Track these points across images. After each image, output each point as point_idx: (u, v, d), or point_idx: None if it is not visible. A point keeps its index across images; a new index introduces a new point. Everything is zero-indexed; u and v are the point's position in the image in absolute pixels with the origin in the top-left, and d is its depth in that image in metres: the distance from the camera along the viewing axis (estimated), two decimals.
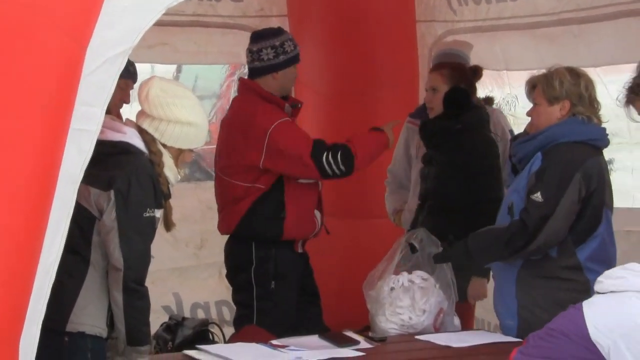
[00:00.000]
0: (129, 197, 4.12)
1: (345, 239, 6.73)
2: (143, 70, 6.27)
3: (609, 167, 4.93)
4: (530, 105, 4.87)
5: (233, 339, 5.38)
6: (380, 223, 6.26)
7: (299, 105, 5.70)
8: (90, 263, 4.19)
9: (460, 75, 5.79)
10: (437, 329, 5.04)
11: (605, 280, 3.50)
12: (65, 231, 3.32)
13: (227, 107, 6.06)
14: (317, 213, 5.64)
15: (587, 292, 3.63)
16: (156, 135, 4.26)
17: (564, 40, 6.17)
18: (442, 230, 5.32)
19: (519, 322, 4.73)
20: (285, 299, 5.55)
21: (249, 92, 5.58)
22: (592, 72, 5.23)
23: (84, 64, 3.30)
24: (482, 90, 6.70)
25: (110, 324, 4.23)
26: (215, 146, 5.84)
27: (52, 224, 3.27)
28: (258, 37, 5.64)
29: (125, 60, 3.40)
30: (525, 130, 5.05)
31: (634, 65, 4.68)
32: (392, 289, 5.05)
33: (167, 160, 4.29)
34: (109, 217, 4.13)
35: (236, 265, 5.62)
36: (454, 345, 4.69)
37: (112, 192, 4.12)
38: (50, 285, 3.30)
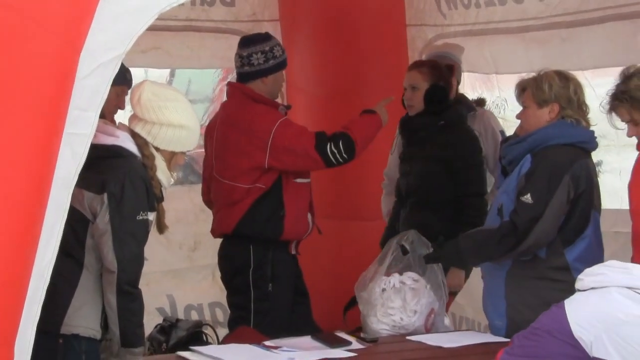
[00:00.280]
0: (122, 201, 4.12)
1: (337, 241, 6.74)
2: (136, 74, 6.27)
3: (597, 169, 4.95)
4: (519, 108, 4.88)
5: (226, 340, 5.38)
6: (372, 225, 6.27)
7: (289, 108, 5.80)
8: (84, 266, 4.19)
9: (439, 73, 5.83)
10: (428, 329, 5.04)
11: (586, 277, 3.53)
12: (59, 234, 3.32)
13: None
14: (308, 215, 5.69)
15: (575, 292, 3.65)
16: (149, 139, 4.26)
17: (552, 44, 6.18)
18: (427, 225, 5.37)
19: (507, 322, 4.74)
20: (281, 300, 5.59)
21: (242, 96, 5.61)
22: (580, 75, 5.24)
23: (77, 68, 3.31)
24: (472, 93, 6.72)
25: (105, 325, 4.23)
26: None
27: (46, 227, 3.28)
28: (248, 42, 5.68)
29: (119, 65, 3.40)
30: (515, 132, 5.07)
31: (621, 69, 4.68)
32: (383, 290, 5.06)
33: (160, 163, 4.29)
34: (103, 220, 4.13)
35: (233, 268, 5.65)
36: (445, 345, 4.70)
37: (105, 196, 4.13)
38: (45, 288, 3.30)
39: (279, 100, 5.86)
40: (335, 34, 6.92)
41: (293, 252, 5.69)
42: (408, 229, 5.41)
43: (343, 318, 5.35)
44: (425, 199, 5.74)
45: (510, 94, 5.43)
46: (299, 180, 5.60)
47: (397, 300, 5.03)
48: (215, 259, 5.81)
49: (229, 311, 5.89)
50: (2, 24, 3.22)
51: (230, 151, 5.57)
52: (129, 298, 4.15)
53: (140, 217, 4.16)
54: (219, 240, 5.77)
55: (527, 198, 4.64)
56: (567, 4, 6.05)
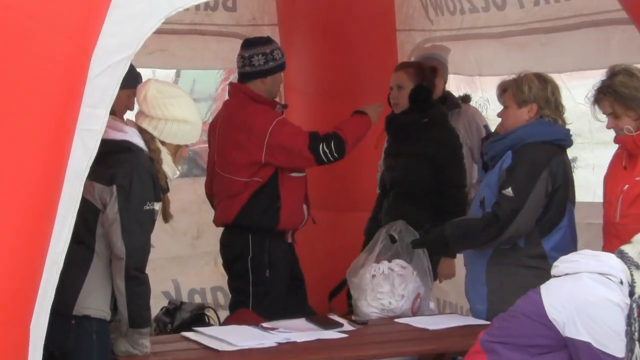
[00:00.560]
0: (130, 192, 4.12)
1: (331, 231, 6.74)
2: (144, 75, 6.24)
3: (572, 165, 4.97)
4: (501, 108, 4.90)
5: (227, 322, 5.39)
6: (363, 216, 6.27)
7: (286, 107, 5.79)
8: (95, 252, 4.19)
9: (423, 74, 5.85)
10: (415, 312, 5.07)
11: (560, 264, 3.59)
12: (72, 223, 3.34)
13: None
14: (304, 206, 5.70)
15: (550, 278, 3.69)
16: (155, 134, 4.27)
17: (532, 48, 6.19)
18: (407, 215, 5.39)
19: (488, 306, 4.75)
20: (277, 285, 5.60)
21: (242, 96, 5.62)
22: (558, 78, 5.27)
23: (89, 69, 3.32)
24: (457, 93, 6.73)
25: (114, 307, 4.23)
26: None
27: (60, 217, 3.29)
28: (250, 44, 5.69)
29: (128, 66, 3.41)
30: (495, 130, 5.09)
31: (595, 72, 4.70)
32: (373, 276, 5.08)
33: (166, 156, 4.30)
34: (112, 210, 4.13)
35: (233, 256, 5.66)
36: (430, 327, 4.73)
37: (114, 187, 4.13)
38: (59, 273, 3.31)
39: (277, 99, 5.86)
40: (330, 38, 6.92)
41: (289, 240, 5.71)
42: (390, 220, 5.44)
43: (329, 303, 5.37)
44: (408, 191, 5.75)
45: (492, 94, 5.44)
46: (294, 174, 5.61)
47: (385, 285, 5.05)
48: (217, 247, 5.83)
49: (229, 295, 5.91)
50: (17, 28, 3.23)
51: (230, 147, 5.58)
52: (137, 282, 4.16)
53: (147, 207, 4.16)
54: (221, 229, 5.78)
55: (509, 191, 4.66)
56: (545, 11, 6.06)
